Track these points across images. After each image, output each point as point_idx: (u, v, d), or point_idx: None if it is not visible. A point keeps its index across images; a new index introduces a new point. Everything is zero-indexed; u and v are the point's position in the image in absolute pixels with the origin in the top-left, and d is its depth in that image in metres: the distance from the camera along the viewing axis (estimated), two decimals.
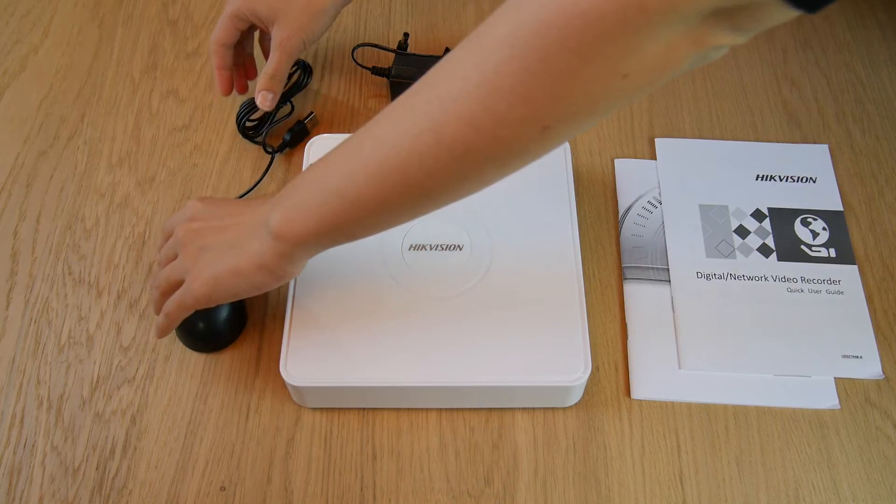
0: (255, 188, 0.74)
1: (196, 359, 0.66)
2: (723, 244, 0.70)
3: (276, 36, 0.71)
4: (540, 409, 0.63)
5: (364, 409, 0.63)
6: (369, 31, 0.85)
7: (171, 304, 0.60)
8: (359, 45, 0.81)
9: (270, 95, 0.72)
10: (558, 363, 0.60)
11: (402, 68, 0.78)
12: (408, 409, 0.63)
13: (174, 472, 0.61)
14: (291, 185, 0.56)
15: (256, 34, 0.78)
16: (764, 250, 0.69)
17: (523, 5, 0.44)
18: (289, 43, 0.71)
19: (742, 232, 0.70)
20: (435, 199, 0.53)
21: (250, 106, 0.75)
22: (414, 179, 0.50)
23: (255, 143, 0.76)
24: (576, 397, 0.62)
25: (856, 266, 0.68)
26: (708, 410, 0.63)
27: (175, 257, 0.60)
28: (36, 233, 0.72)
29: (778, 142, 0.77)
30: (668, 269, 0.68)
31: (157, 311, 0.62)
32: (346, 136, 0.76)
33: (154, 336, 0.66)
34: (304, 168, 0.71)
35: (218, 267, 0.57)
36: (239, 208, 0.60)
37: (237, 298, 0.59)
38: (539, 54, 0.44)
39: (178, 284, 0.59)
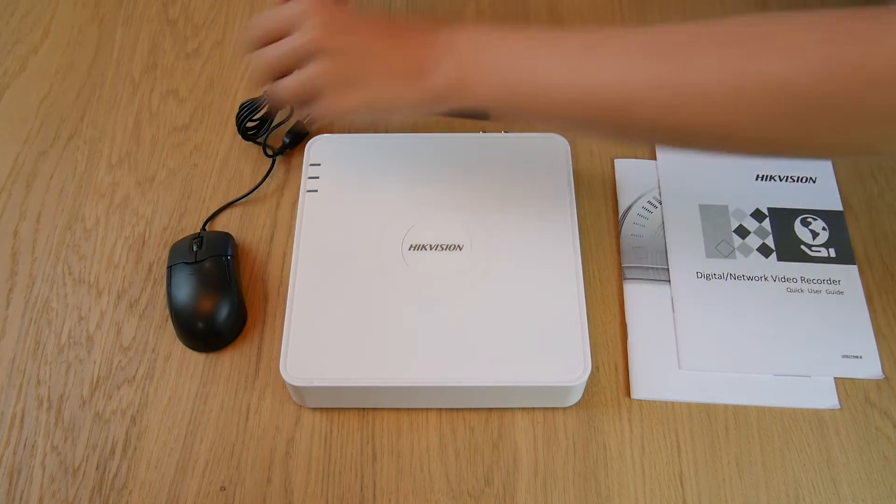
0: (256, 190, 0.74)
1: (196, 359, 0.66)
2: (723, 244, 0.70)
3: None
4: (540, 409, 0.63)
5: (364, 409, 0.63)
6: None
7: (295, 89, 0.57)
8: None
9: None
10: (558, 363, 0.60)
11: None
12: (408, 409, 0.63)
13: (174, 472, 0.61)
14: (480, 41, 0.54)
15: None
16: (764, 250, 0.69)
17: (879, 39, 0.44)
18: None
19: (742, 232, 0.70)
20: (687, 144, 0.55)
21: (251, 107, 0.75)
22: (650, 124, 0.51)
23: (256, 143, 0.76)
24: (576, 397, 0.62)
25: (856, 266, 0.68)
26: (708, 410, 0.63)
27: (283, 35, 0.57)
28: (36, 233, 0.72)
29: None
30: (668, 269, 0.68)
31: (262, 80, 0.59)
32: (346, 136, 0.77)
33: (271, 97, 0.61)
34: (303, 168, 0.71)
35: (375, 94, 0.56)
36: (394, 40, 0.57)
37: (369, 123, 0.60)
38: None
39: (289, 70, 0.58)
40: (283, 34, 0.57)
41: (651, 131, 0.53)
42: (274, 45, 0.58)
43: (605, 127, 0.55)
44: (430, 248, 0.66)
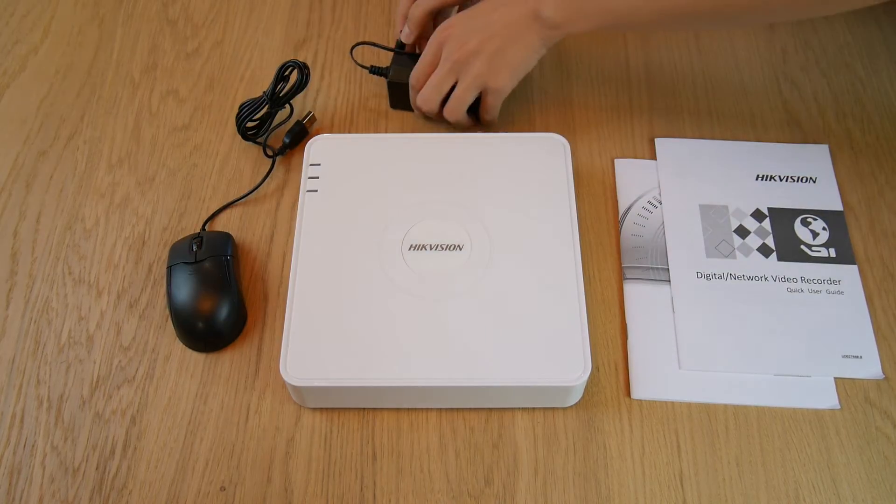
0: (256, 190, 0.74)
1: (196, 359, 0.66)
2: (723, 244, 0.70)
3: None
4: (540, 409, 0.63)
5: (364, 409, 0.63)
6: (369, 31, 0.85)
7: (462, 98, 0.72)
8: (357, 44, 0.81)
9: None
10: (558, 363, 0.60)
11: (400, 68, 0.77)
12: (408, 409, 0.63)
13: (174, 472, 0.61)
14: None
15: None
16: (764, 250, 0.69)
17: None
18: None
19: (742, 232, 0.70)
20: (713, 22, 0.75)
21: (251, 107, 0.75)
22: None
23: (256, 143, 0.76)
24: (576, 397, 0.62)
25: (856, 266, 0.68)
26: (708, 410, 0.63)
27: (434, 65, 0.72)
28: (36, 233, 0.72)
29: (778, 142, 0.77)
30: (668, 269, 0.68)
31: (436, 112, 0.74)
32: (346, 136, 0.77)
33: (451, 118, 0.74)
34: (303, 168, 0.71)
35: (508, 62, 0.70)
36: (495, 17, 0.70)
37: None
38: None
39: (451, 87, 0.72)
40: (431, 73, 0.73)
41: (711, 18, 0.70)
42: (427, 83, 0.73)
43: (675, 26, 0.79)
44: (430, 248, 0.66)
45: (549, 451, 0.61)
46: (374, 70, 0.79)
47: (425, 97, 0.73)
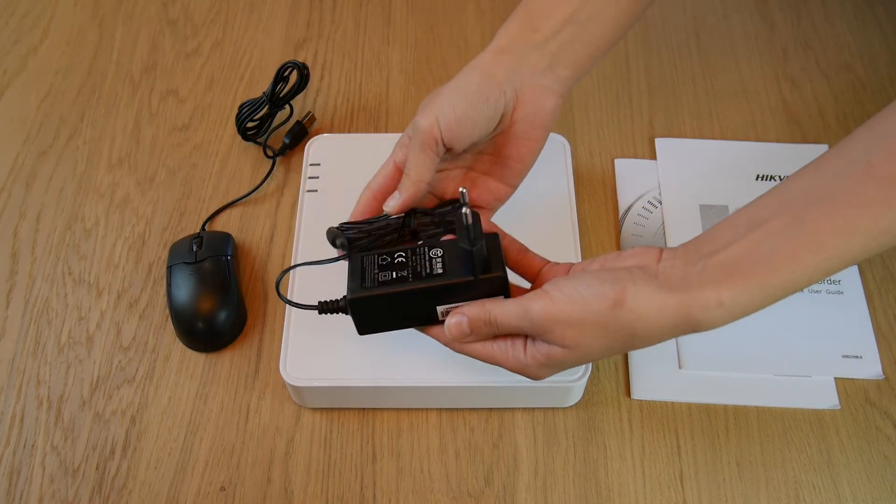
0: (257, 190, 0.74)
1: (196, 359, 0.66)
2: None
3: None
4: (540, 409, 0.63)
5: (364, 409, 0.63)
6: (369, 31, 0.85)
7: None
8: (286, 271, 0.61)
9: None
10: None
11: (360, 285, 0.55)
12: (408, 409, 0.63)
13: (174, 472, 0.61)
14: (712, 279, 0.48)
15: None
16: None
17: None
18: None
19: None
20: None
21: (251, 107, 0.75)
22: None
23: (256, 143, 0.76)
24: (576, 397, 0.62)
25: (856, 266, 0.68)
26: (708, 410, 0.63)
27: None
28: (36, 233, 0.72)
29: (778, 142, 0.77)
30: None
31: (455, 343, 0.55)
32: (346, 135, 0.77)
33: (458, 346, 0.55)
34: (303, 168, 0.71)
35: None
36: (631, 334, 0.49)
37: None
38: None
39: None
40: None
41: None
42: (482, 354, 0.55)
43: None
44: None
45: (549, 451, 0.61)
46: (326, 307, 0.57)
47: (472, 352, 0.54)
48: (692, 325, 0.48)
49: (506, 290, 0.53)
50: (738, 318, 0.48)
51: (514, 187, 0.61)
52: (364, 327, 0.55)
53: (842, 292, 0.67)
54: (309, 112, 0.78)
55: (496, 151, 0.60)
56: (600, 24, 0.58)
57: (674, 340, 0.65)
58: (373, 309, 0.54)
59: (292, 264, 0.63)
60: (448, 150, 0.58)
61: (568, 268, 0.55)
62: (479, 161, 0.61)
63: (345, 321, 0.62)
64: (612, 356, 0.53)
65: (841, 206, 0.46)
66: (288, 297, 0.63)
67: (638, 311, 0.48)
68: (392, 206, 0.58)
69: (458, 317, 0.52)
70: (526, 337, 0.52)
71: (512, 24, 0.59)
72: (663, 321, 0.48)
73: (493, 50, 0.58)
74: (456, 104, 0.56)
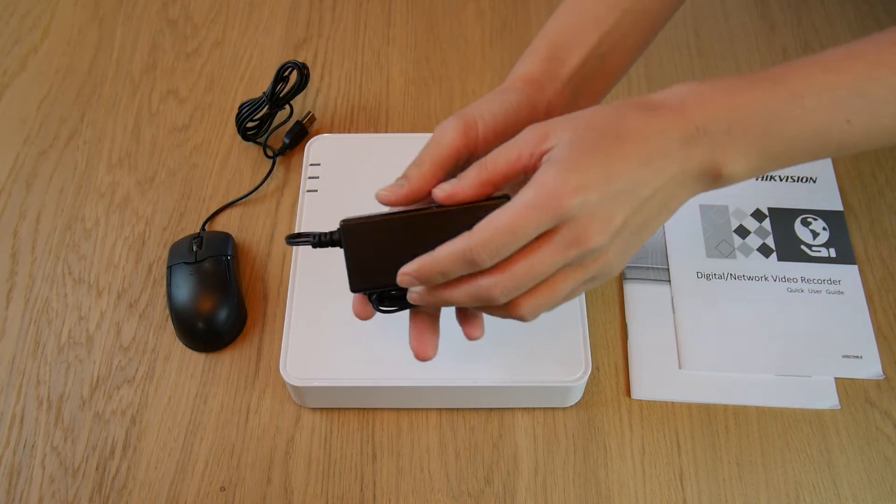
0: (257, 190, 0.74)
1: (196, 359, 0.66)
2: (723, 244, 0.70)
3: None
4: (540, 409, 0.63)
5: (364, 409, 0.63)
6: (369, 31, 0.85)
7: (563, 301, 0.48)
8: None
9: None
10: (558, 363, 0.60)
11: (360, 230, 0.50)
12: (408, 409, 0.63)
13: (174, 472, 0.61)
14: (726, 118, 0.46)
15: None
16: (764, 250, 0.69)
17: None
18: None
19: (742, 232, 0.70)
20: None
21: (251, 107, 0.75)
22: None
23: (256, 143, 0.76)
24: (576, 397, 0.62)
25: (856, 266, 0.68)
26: (708, 410, 0.63)
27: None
28: (36, 233, 0.72)
29: None
30: (668, 269, 0.68)
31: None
32: (346, 135, 0.76)
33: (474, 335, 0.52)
34: (303, 168, 0.71)
35: (643, 241, 0.49)
36: (649, 175, 0.45)
37: None
38: None
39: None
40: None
41: None
42: (517, 268, 0.46)
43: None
44: None
45: (549, 451, 0.61)
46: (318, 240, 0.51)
47: (507, 287, 0.45)
48: (680, 103, 0.46)
49: None
50: (733, 108, 0.46)
51: None
52: (359, 275, 0.48)
53: (842, 292, 0.67)
54: (309, 112, 0.78)
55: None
56: (619, 53, 0.57)
57: (674, 340, 0.65)
58: (369, 240, 0.48)
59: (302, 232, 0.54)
60: (471, 155, 0.50)
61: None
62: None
63: (347, 322, 0.62)
64: (622, 167, 0.44)
65: (851, 46, 0.48)
66: (291, 283, 0.62)
67: (620, 102, 0.47)
68: (386, 195, 0.49)
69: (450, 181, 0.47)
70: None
71: (538, 55, 0.55)
72: (648, 104, 0.46)
73: (524, 79, 0.54)
74: (494, 108, 0.50)
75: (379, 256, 0.47)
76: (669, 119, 0.46)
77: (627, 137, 0.45)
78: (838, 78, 0.47)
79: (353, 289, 0.48)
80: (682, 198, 0.48)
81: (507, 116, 0.50)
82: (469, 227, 0.45)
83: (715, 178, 0.47)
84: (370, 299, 0.50)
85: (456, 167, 0.49)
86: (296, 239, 0.50)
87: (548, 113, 0.53)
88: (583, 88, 0.56)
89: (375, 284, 0.48)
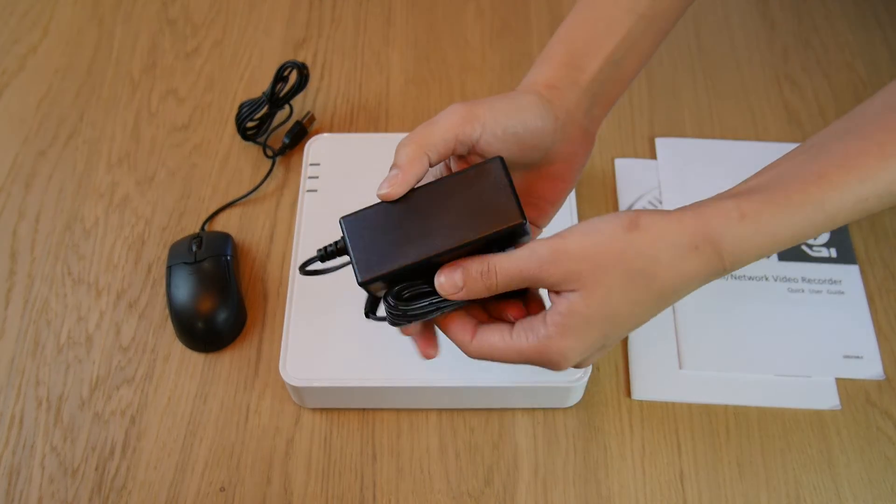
0: (256, 190, 0.74)
1: (196, 359, 0.66)
2: None
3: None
4: (540, 409, 0.62)
5: (364, 409, 0.63)
6: (369, 31, 0.85)
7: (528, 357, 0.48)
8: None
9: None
10: None
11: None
12: (408, 409, 0.63)
13: (174, 473, 0.61)
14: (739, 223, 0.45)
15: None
16: None
17: None
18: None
19: None
20: None
21: (251, 107, 0.75)
22: None
23: (256, 143, 0.76)
24: (576, 397, 0.62)
25: (857, 266, 0.68)
26: (708, 411, 0.63)
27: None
28: (35, 233, 0.72)
29: (778, 141, 0.76)
30: None
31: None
32: (346, 135, 0.76)
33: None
34: (303, 168, 0.71)
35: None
36: (662, 286, 0.45)
37: None
38: None
39: None
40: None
41: None
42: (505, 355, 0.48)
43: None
44: None
45: (549, 451, 0.61)
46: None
47: (475, 356, 0.49)
48: (714, 242, 0.44)
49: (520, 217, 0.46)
50: (766, 246, 0.44)
51: (542, 228, 0.56)
52: (364, 265, 0.47)
53: (842, 292, 0.67)
54: (309, 112, 0.78)
55: (528, 191, 0.54)
56: (631, 59, 0.55)
57: (674, 340, 0.65)
58: (369, 228, 0.47)
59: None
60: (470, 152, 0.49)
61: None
62: None
63: (347, 322, 0.62)
64: (644, 310, 0.46)
65: (873, 132, 0.44)
66: (291, 283, 0.62)
67: (654, 228, 0.44)
68: (391, 185, 0.47)
69: (451, 267, 0.46)
70: (540, 308, 0.47)
71: (555, 60, 0.54)
72: (682, 237, 0.44)
73: (542, 84, 0.52)
74: (508, 110, 0.49)
75: (381, 243, 0.47)
76: (702, 266, 0.45)
77: (651, 290, 0.45)
78: (871, 188, 0.45)
79: (362, 280, 0.47)
80: (693, 288, 0.47)
81: (521, 117, 0.49)
82: (461, 194, 0.46)
83: (718, 272, 0.46)
84: (389, 307, 0.48)
85: (451, 152, 0.48)
86: (306, 264, 0.50)
87: (567, 123, 0.52)
88: (598, 97, 0.54)
89: (382, 273, 0.47)
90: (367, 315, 0.51)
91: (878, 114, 0.46)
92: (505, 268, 0.45)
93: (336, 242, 0.49)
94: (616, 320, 0.46)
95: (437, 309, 0.47)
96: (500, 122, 0.48)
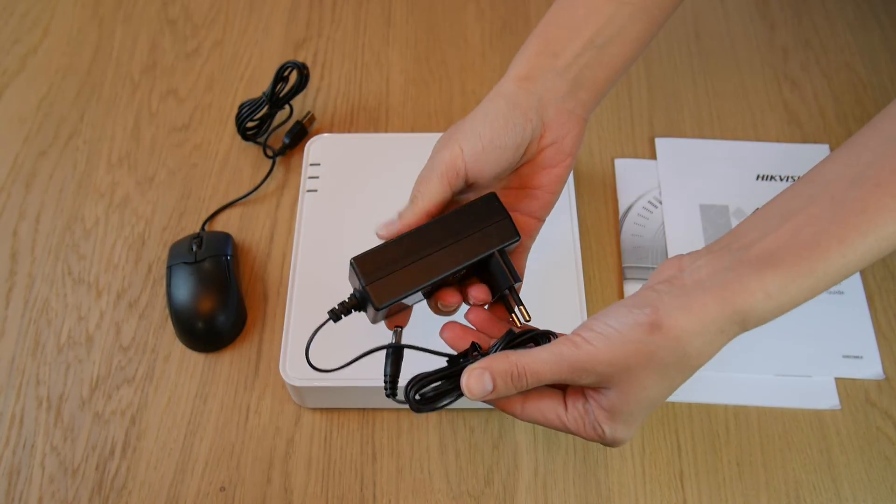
0: (256, 190, 0.74)
1: (196, 359, 0.66)
2: None
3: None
4: None
5: (364, 409, 0.63)
6: (369, 31, 0.85)
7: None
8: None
9: None
10: None
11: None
12: (408, 409, 0.63)
13: (174, 473, 0.61)
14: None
15: None
16: None
17: None
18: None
19: None
20: None
21: (251, 107, 0.75)
22: None
23: (256, 143, 0.76)
24: None
25: None
26: (708, 410, 0.63)
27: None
28: (35, 233, 0.72)
29: (778, 141, 0.76)
30: None
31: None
32: (346, 135, 0.76)
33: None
34: (303, 168, 0.71)
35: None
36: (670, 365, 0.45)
37: None
38: None
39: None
40: None
41: None
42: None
43: None
44: None
45: (549, 451, 0.61)
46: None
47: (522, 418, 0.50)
48: (740, 322, 0.45)
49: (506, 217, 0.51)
50: (787, 310, 0.45)
51: (543, 220, 0.56)
52: (377, 293, 0.50)
53: (842, 292, 0.67)
54: (309, 112, 0.78)
55: (522, 184, 0.56)
56: (619, 45, 0.56)
57: None
58: (379, 263, 0.51)
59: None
60: (470, 185, 0.53)
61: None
62: (505, 196, 0.55)
63: (347, 322, 0.62)
64: (680, 384, 0.47)
65: (887, 183, 0.44)
66: (291, 283, 0.64)
67: (679, 328, 0.44)
68: (387, 230, 0.52)
69: (478, 371, 0.46)
70: (583, 392, 0.48)
71: (530, 51, 0.56)
72: (709, 326, 0.44)
73: (514, 78, 0.55)
74: (482, 133, 0.52)
75: (392, 274, 0.50)
76: (729, 339, 0.46)
77: (681, 376, 0.46)
78: (891, 242, 0.45)
79: (377, 305, 0.50)
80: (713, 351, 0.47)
81: (495, 129, 0.52)
82: (462, 230, 0.51)
83: (739, 326, 0.46)
84: (412, 400, 0.50)
85: (452, 190, 0.52)
86: (336, 314, 0.53)
87: (540, 107, 0.54)
88: (582, 80, 0.55)
89: (396, 296, 0.50)
90: (387, 396, 0.53)
91: (889, 149, 0.46)
92: (535, 371, 0.46)
93: (348, 298, 0.53)
94: (657, 402, 0.47)
95: (458, 397, 0.49)
96: (478, 145, 0.52)
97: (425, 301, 0.54)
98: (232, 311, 0.65)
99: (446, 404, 0.49)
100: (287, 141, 0.76)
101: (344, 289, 0.62)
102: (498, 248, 0.51)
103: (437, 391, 0.49)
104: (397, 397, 0.51)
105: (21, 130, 0.79)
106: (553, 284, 0.63)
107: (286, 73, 0.74)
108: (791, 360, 0.64)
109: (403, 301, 0.51)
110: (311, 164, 0.71)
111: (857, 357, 0.64)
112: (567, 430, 0.49)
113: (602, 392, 0.46)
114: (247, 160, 0.76)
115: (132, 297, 0.69)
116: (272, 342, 0.66)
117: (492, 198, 0.52)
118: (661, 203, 0.72)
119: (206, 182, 0.75)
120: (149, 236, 0.72)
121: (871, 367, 0.64)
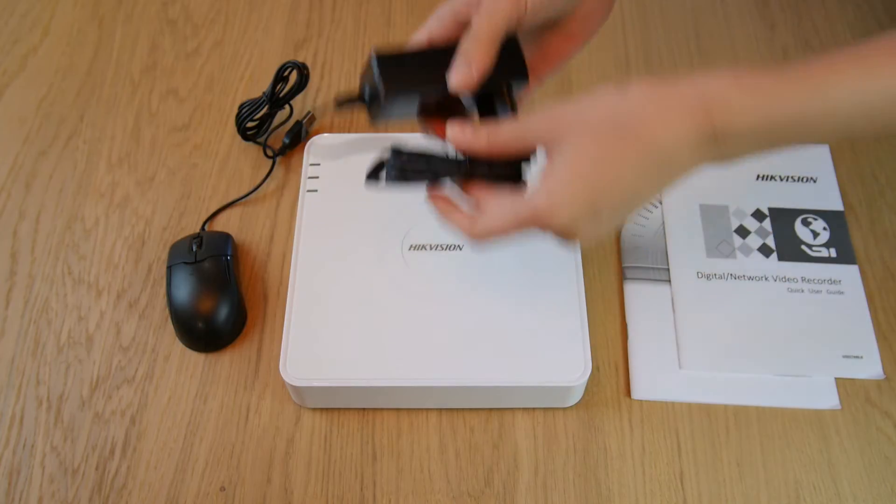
0: (256, 190, 0.74)
1: (196, 359, 0.66)
2: (723, 244, 0.69)
3: None
4: (540, 409, 0.62)
5: (364, 409, 0.63)
6: (369, 31, 0.85)
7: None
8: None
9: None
10: (558, 363, 0.60)
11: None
12: (408, 409, 0.63)
13: (174, 473, 0.61)
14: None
15: None
16: (764, 250, 0.69)
17: None
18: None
19: (742, 232, 0.70)
20: None
21: (251, 107, 0.75)
22: None
23: (256, 143, 0.76)
24: (576, 397, 0.62)
25: (856, 266, 0.68)
26: (708, 410, 0.63)
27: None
28: (35, 233, 0.72)
29: None
30: (668, 269, 0.68)
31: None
32: (346, 135, 0.76)
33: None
34: (303, 168, 0.71)
35: (635, 209, 0.51)
36: (632, 164, 0.45)
37: None
38: None
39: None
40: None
41: None
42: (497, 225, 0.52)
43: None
44: (430, 248, 0.66)
45: (549, 451, 0.61)
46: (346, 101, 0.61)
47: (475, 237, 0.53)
48: (706, 106, 0.43)
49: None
50: (760, 127, 0.44)
51: (542, 83, 0.59)
52: (391, 81, 0.55)
53: (842, 292, 0.67)
54: (309, 112, 0.78)
55: (541, 47, 0.57)
56: None
57: (674, 340, 0.65)
58: (397, 63, 0.56)
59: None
60: (519, 22, 0.53)
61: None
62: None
63: (347, 321, 0.62)
64: (628, 172, 0.45)
65: (888, 40, 0.44)
66: (291, 283, 0.63)
67: (644, 87, 0.45)
68: (460, 79, 0.52)
69: (461, 122, 0.52)
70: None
71: None
72: (672, 98, 0.44)
73: None
74: None
75: (407, 72, 0.55)
76: (692, 127, 0.44)
77: (636, 145, 0.45)
78: (878, 84, 0.44)
79: (387, 92, 0.55)
80: (686, 169, 0.47)
81: None
82: None
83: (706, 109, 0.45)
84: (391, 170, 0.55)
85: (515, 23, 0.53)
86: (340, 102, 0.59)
87: None
88: None
89: (407, 88, 0.55)
90: (367, 179, 0.56)
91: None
92: (505, 126, 0.50)
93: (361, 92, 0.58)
94: (604, 177, 0.46)
95: (433, 174, 0.54)
96: None
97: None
98: (232, 311, 0.65)
99: (419, 171, 0.54)
100: (287, 141, 0.76)
101: (344, 289, 0.62)
102: (507, 81, 0.55)
103: (414, 167, 0.54)
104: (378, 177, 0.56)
105: (21, 130, 0.79)
106: (552, 284, 0.64)
107: (286, 73, 0.74)
108: (791, 360, 0.64)
109: (405, 104, 0.56)
110: (311, 164, 0.71)
111: (857, 357, 0.64)
112: (512, 219, 0.50)
113: (552, 157, 0.47)
114: (247, 160, 0.76)
115: (132, 297, 0.69)
116: (272, 342, 0.66)
117: (513, 40, 0.55)
118: (660, 203, 0.72)
119: (206, 182, 0.75)
120: (149, 236, 0.72)
121: (871, 367, 0.64)
